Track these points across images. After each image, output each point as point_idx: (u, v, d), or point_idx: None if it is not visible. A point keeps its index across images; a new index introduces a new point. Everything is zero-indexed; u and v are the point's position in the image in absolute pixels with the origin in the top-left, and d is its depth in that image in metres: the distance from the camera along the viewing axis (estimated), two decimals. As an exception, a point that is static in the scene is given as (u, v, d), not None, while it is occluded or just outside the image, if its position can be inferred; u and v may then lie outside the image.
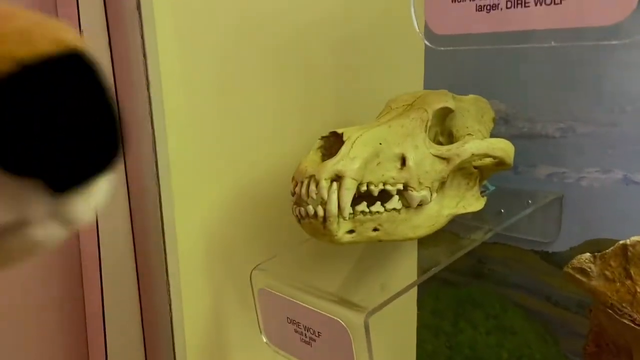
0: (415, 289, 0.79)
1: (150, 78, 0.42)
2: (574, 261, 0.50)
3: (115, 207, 0.47)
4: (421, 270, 0.69)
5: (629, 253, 0.48)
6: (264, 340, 0.49)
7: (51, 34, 0.13)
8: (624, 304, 0.47)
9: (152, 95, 0.44)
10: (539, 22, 0.34)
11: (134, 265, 0.49)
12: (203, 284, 0.50)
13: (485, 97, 0.59)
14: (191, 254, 0.49)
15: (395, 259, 0.64)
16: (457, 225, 0.54)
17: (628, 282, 0.48)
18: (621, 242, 0.48)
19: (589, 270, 0.49)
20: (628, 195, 0.55)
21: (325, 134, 0.46)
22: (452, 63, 0.67)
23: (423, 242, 0.59)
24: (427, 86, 0.70)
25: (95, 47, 0.42)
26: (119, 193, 0.47)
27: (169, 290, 0.48)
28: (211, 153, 0.49)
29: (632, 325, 0.46)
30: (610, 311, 0.48)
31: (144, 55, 0.42)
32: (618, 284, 0.48)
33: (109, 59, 0.43)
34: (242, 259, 0.51)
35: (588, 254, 0.50)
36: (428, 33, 0.43)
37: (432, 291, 0.77)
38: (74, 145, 0.12)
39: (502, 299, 0.69)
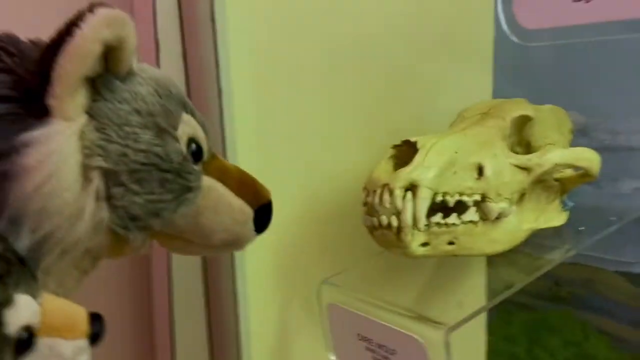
0: (485, 313, 0.75)
1: (222, 86, 0.42)
2: (671, 282, 0.46)
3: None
4: (491, 290, 0.66)
5: None
6: (332, 358, 0.47)
7: (264, 190, 0.36)
8: None
9: (223, 106, 0.44)
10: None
11: (203, 278, 0.48)
12: (270, 298, 0.49)
13: (560, 107, 0.56)
14: (259, 267, 0.48)
15: (468, 277, 0.61)
16: (530, 244, 0.51)
17: None
18: None
19: (689, 291, 0.45)
20: None
21: (398, 142, 0.44)
22: (523, 71, 0.64)
23: (492, 261, 0.56)
24: (496, 96, 0.67)
25: (169, 53, 0.43)
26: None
27: (236, 305, 0.47)
28: (280, 164, 0.48)
29: None
30: None
31: (217, 64, 0.42)
32: None
33: (183, 66, 0.44)
34: (310, 273, 0.49)
35: (687, 274, 0.46)
36: (516, 28, 0.41)
37: (503, 315, 0.72)
38: (266, 225, 0.36)
39: (583, 324, 0.64)
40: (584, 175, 0.48)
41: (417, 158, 0.40)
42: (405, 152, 0.44)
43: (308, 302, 0.50)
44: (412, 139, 0.42)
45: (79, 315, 0.25)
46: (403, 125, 0.57)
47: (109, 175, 0.27)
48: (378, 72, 0.55)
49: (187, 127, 0.31)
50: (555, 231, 0.51)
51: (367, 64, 0.54)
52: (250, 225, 0.34)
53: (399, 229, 0.39)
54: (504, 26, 0.42)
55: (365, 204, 0.42)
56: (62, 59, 0.25)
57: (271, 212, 0.36)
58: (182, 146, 0.30)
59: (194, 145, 0.32)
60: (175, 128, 0.30)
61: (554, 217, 0.49)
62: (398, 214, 0.39)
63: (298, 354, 0.51)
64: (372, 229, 0.41)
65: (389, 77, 0.56)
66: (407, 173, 0.39)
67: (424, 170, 0.40)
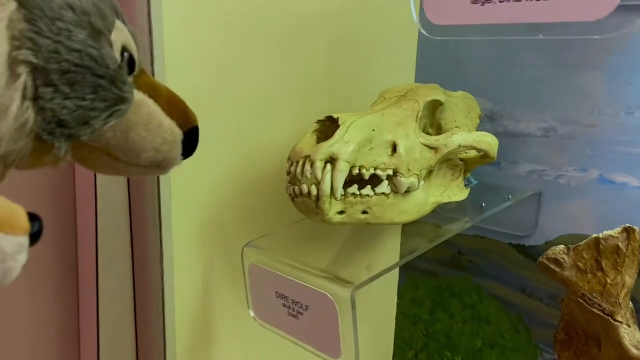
0: (396, 278, 0.81)
1: (155, 54, 0.43)
2: (549, 252, 0.53)
3: (113, 183, 0.49)
4: (402, 256, 0.72)
5: (600, 246, 0.51)
6: (251, 314, 0.51)
7: (193, 113, 0.34)
8: (594, 294, 0.50)
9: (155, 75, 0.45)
10: (528, 16, 0.37)
11: (129, 239, 0.50)
12: (195, 260, 0.52)
13: (473, 94, 0.62)
14: (185, 231, 0.50)
15: (380, 243, 0.66)
16: (439, 217, 0.57)
17: (599, 273, 0.50)
18: (594, 235, 0.51)
19: (562, 261, 0.52)
20: (603, 193, 0.58)
21: (322, 117, 0.47)
22: (443, 60, 0.69)
23: (406, 230, 0.61)
24: (418, 81, 0.72)
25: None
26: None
27: (161, 264, 0.49)
28: (209, 133, 0.50)
29: (602, 314, 0.49)
30: (581, 301, 0.51)
31: (150, 33, 0.43)
32: (589, 275, 0.51)
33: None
34: (236, 237, 0.52)
35: (562, 245, 0.53)
36: (425, 22, 0.45)
37: (412, 280, 0.79)
38: (193, 149, 0.34)
39: (479, 289, 0.72)
40: (484, 157, 0.54)
41: (338, 133, 0.44)
42: (328, 127, 0.47)
43: (231, 263, 0.53)
44: (335, 115, 0.46)
45: (19, 211, 0.24)
46: (329, 106, 0.60)
47: (38, 73, 0.25)
48: (314, 52, 0.58)
49: (121, 34, 0.29)
50: (460, 205, 0.57)
51: (299, 49, 0.57)
52: (179, 147, 0.33)
53: (318, 198, 0.43)
54: (414, 18, 0.46)
55: (288, 173, 0.45)
56: None
57: (198, 137, 0.35)
58: (116, 53, 0.29)
59: (127, 55, 0.30)
60: (110, 32, 0.28)
61: (457, 192, 0.55)
62: (317, 183, 0.43)
63: (220, 310, 0.55)
64: (294, 197, 0.45)
65: (323, 58, 0.59)
66: (328, 146, 0.43)
67: (343, 144, 0.43)
